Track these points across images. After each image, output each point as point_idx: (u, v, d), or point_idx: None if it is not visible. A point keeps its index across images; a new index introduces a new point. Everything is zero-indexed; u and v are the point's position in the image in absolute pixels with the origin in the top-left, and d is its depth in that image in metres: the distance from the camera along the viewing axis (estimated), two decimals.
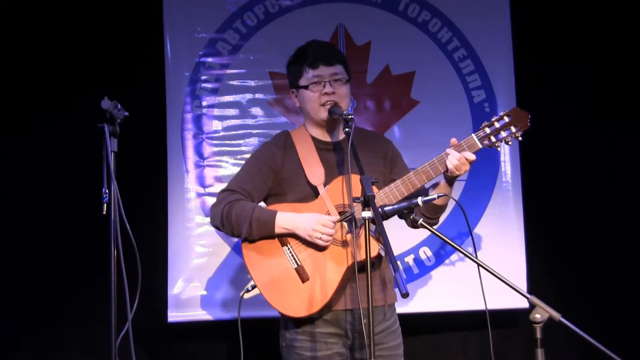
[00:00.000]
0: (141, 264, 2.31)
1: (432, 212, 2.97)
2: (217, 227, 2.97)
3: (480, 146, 2.83)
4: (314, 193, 2.89)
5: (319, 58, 2.93)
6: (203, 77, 3.95)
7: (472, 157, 2.79)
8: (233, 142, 3.95)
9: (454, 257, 3.94)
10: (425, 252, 3.96)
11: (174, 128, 3.91)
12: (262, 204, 3.00)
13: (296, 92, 3.00)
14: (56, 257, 3.87)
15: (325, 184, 2.88)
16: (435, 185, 2.94)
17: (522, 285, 3.84)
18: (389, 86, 4.02)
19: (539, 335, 2.23)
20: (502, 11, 4.06)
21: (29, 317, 3.85)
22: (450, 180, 2.87)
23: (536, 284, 3.90)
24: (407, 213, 2.64)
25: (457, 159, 2.78)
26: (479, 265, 2.49)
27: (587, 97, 4.18)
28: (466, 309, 3.81)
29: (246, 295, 2.84)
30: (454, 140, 2.84)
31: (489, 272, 2.42)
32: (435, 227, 2.78)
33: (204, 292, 3.82)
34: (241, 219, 2.83)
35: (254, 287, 2.84)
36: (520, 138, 2.85)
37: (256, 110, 3.99)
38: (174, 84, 3.93)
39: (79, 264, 3.82)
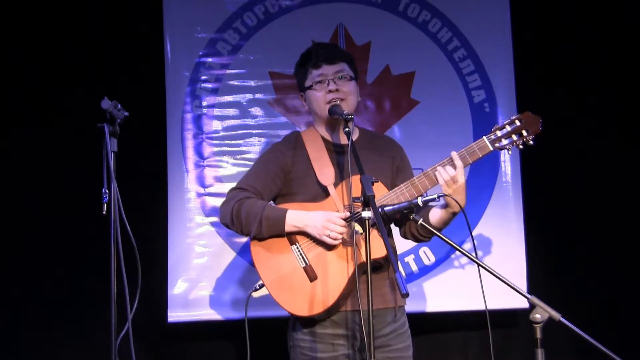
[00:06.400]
0: (141, 264, 2.31)
1: (425, 231, 2.89)
2: (226, 225, 2.93)
3: (492, 148, 2.82)
4: (324, 193, 2.87)
5: (321, 58, 2.94)
6: (203, 77, 3.95)
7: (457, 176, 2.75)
8: (233, 142, 3.95)
9: (454, 257, 3.94)
10: (425, 252, 3.96)
11: (174, 128, 3.91)
12: (271, 203, 2.98)
13: (304, 94, 3.01)
14: (56, 257, 3.86)
15: (335, 185, 2.87)
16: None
17: (522, 285, 3.84)
18: (389, 86, 4.02)
19: (539, 335, 2.22)
20: (502, 11, 4.07)
21: (28, 317, 3.85)
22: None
23: (536, 284, 3.90)
24: (407, 213, 2.64)
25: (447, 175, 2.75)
26: (479, 265, 2.49)
27: (587, 97, 4.18)
28: (466, 309, 3.81)
29: (255, 294, 2.83)
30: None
31: (489, 272, 2.42)
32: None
33: (210, 293, 3.82)
34: (251, 216, 2.82)
35: (262, 285, 2.82)
36: (532, 142, 2.84)
37: (256, 110, 3.99)
38: (174, 84, 3.93)
39: (79, 264, 3.82)
